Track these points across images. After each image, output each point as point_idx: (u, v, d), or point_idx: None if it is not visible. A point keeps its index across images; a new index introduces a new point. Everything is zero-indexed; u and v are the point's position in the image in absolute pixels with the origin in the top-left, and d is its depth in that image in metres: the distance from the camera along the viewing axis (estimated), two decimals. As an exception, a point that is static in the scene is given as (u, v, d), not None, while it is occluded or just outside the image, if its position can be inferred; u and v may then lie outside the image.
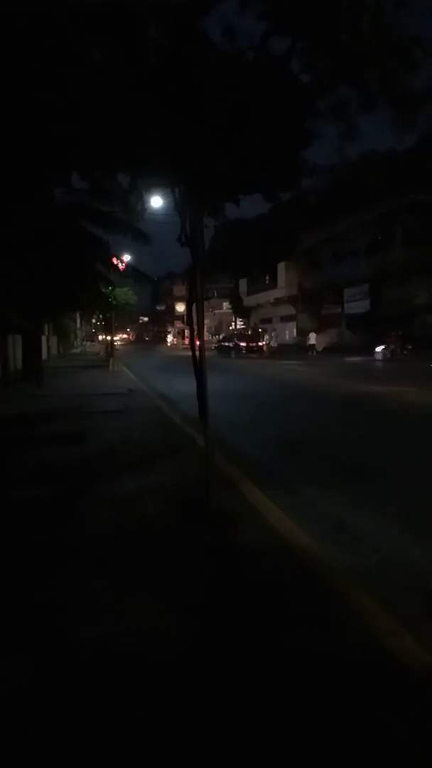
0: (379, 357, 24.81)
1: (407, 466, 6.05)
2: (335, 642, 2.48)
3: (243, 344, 35.49)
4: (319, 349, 34.40)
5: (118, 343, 63.55)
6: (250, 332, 41.70)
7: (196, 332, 4.14)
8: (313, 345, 33.80)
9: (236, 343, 35.77)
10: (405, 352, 24.07)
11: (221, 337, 45.37)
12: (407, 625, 2.57)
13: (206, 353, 4.25)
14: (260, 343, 36.32)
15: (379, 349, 25.13)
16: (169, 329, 79.42)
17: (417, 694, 2.10)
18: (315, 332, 35.47)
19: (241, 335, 39.90)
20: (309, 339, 34.20)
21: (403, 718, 1.98)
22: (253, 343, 35.94)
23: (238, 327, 53.26)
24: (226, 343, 37.34)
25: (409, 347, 24.25)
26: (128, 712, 2.05)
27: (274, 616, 2.72)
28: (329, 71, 4.47)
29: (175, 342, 70.48)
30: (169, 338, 76.34)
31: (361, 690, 2.15)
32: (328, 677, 2.22)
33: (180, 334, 70.11)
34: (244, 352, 34.20)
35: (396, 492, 4.99)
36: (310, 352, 32.90)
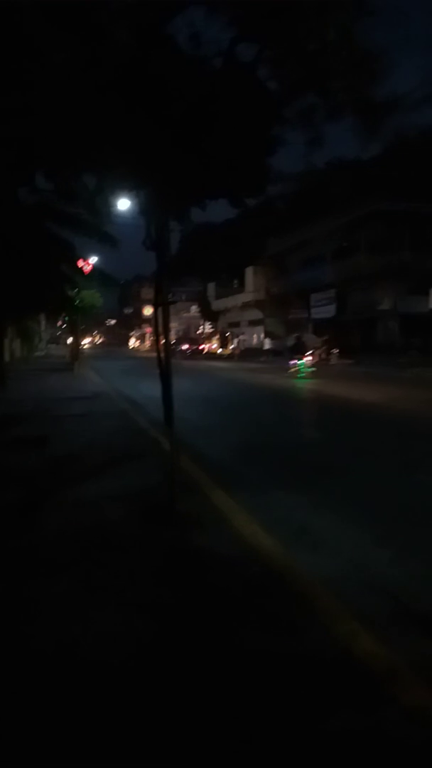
0: (306, 363, 26.07)
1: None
2: (297, 643, 2.50)
3: (186, 347, 41.49)
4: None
5: (86, 346, 63.20)
6: (198, 336, 46.91)
7: (161, 336, 4.12)
8: (269, 349, 37.09)
9: (179, 346, 41.27)
10: (330, 356, 26.86)
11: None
12: (369, 626, 2.60)
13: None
14: (201, 347, 43.32)
15: (308, 353, 26.03)
16: (132, 333, 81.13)
17: (377, 694, 2.13)
18: (282, 336, 36.46)
19: (185, 338, 46.48)
20: (264, 344, 37.81)
21: (364, 717, 2.00)
22: (195, 345, 42.71)
23: (206, 331, 53.36)
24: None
25: (334, 352, 27.00)
26: (87, 715, 2.01)
27: (236, 618, 2.72)
28: (296, 79, 4.52)
29: (137, 345, 72.78)
30: (131, 341, 78.73)
31: (322, 690, 2.17)
32: (289, 678, 2.23)
33: (141, 338, 72.38)
34: (189, 354, 40.09)
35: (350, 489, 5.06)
36: (266, 356, 35.78)
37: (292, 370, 21.18)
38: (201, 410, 10.92)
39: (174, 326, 65.25)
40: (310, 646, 2.48)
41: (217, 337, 42.05)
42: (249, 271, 43.70)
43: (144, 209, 3.76)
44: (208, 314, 53.24)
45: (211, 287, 52.80)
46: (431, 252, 27.30)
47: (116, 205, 6.02)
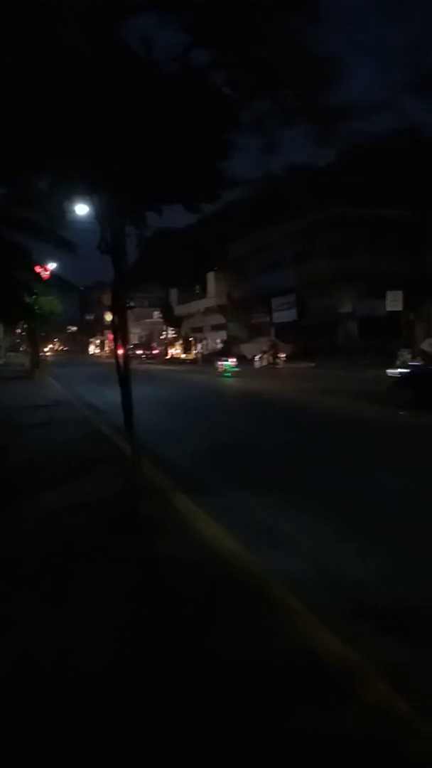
0: (256, 364, 28.68)
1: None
2: (258, 643, 2.50)
3: (139, 352, 45.33)
4: (250, 357, 35.16)
5: (49, 353, 62.21)
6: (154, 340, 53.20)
7: (120, 341, 4.09)
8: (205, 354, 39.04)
9: (133, 351, 43.67)
10: (277, 360, 27.84)
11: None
12: (328, 623, 2.63)
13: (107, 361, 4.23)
14: (154, 351, 48.16)
15: (256, 357, 29.14)
16: (91, 339, 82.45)
17: (337, 691, 2.15)
18: (245, 340, 36.81)
19: (144, 344, 51.87)
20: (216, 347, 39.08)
21: (325, 715, 2.02)
22: (149, 351, 47.40)
23: (169, 336, 53.31)
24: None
25: (281, 356, 28.14)
26: (49, 725, 1.96)
27: (199, 621, 2.71)
28: (249, 85, 4.57)
29: (98, 352, 74.50)
30: (91, 348, 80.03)
31: (283, 689, 2.18)
32: (250, 678, 2.23)
33: (101, 345, 74.92)
34: (144, 359, 43.64)
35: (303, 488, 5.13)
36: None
37: (220, 369, 24.38)
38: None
39: (137, 332, 65.03)
40: (271, 645, 2.49)
41: (181, 342, 42.27)
42: (211, 277, 43.88)
43: (99, 213, 3.72)
44: (171, 320, 53.14)
45: (174, 293, 52.76)
46: (387, 256, 27.99)
47: (73, 210, 5.95)
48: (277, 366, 26.66)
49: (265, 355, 28.40)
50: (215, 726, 1.98)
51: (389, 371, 12.86)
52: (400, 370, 11.67)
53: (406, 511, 4.61)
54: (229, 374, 23.18)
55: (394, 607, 2.92)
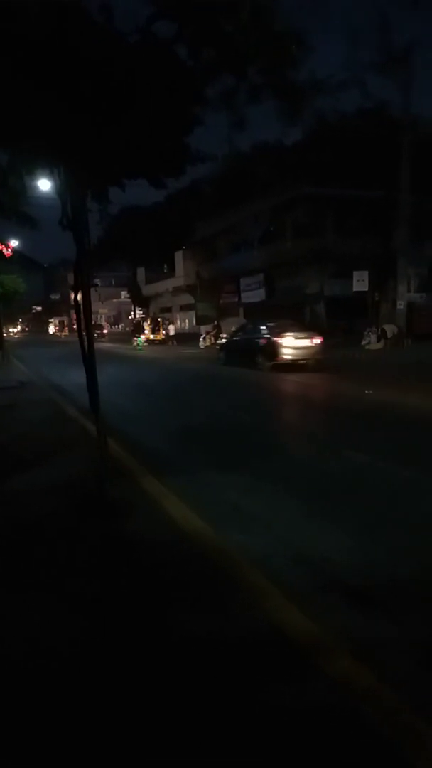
0: (200, 344, 30.44)
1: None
2: (227, 621, 2.54)
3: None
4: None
5: (16, 333, 61.38)
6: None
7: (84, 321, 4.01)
8: (173, 335, 38.48)
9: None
10: (217, 340, 28.40)
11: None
12: (295, 599, 2.68)
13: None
14: (104, 331, 51.73)
15: (201, 337, 31.22)
16: (50, 320, 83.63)
17: (302, 666, 2.21)
18: (213, 320, 36.70)
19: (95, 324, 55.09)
20: (169, 330, 39.14)
21: (292, 690, 2.07)
22: (101, 330, 48.87)
23: (137, 316, 52.77)
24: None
25: (223, 336, 28.34)
26: (15, 712, 1.96)
27: (166, 601, 2.73)
28: (214, 60, 4.47)
29: (56, 331, 75.95)
30: (51, 328, 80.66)
31: (251, 665, 2.22)
32: (219, 655, 2.27)
33: (60, 324, 76.83)
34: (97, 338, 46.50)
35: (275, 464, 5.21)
36: (171, 342, 37.04)
37: (134, 344, 32.91)
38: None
39: (104, 312, 64.20)
40: (239, 621, 2.53)
41: (149, 322, 41.86)
42: (179, 256, 43.41)
43: (60, 188, 3.61)
44: (139, 299, 52.55)
45: (141, 272, 52.10)
46: (353, 236, 28.18)
47: (34, 185, 5.76)
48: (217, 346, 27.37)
49: (208, 336, 30.09)
50: (183, 702, 2.01)
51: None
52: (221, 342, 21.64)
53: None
54: (141, 348, 31.30)
55: (360, 583, 3.00)
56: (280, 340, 15.75)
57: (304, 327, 18.74)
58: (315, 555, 3.34)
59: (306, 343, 16.06)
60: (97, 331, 47.07)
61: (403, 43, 18.91)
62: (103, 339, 44.73)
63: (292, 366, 15.22)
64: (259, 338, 16.83)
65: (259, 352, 16.22)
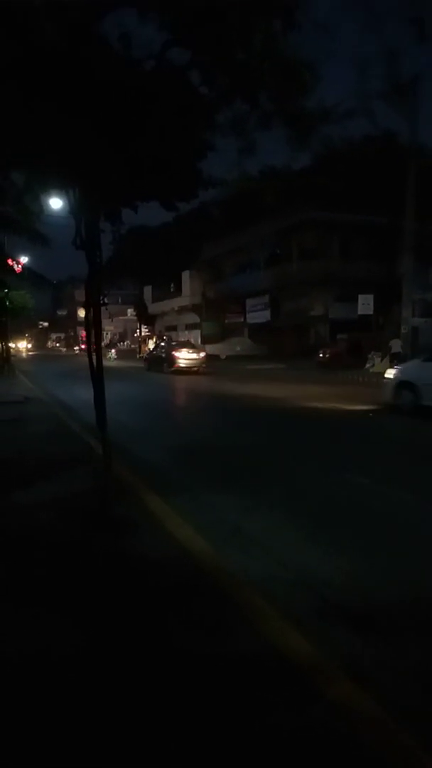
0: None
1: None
2: (227, 643, 2.52)
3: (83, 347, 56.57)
4: (223, 357, 35.36)
5: (28, 350, 62.58)
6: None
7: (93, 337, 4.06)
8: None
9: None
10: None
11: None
12: (295, 623, 2.67)
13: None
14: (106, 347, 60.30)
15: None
16: (51, 336, 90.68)
17: (302, 689, 2.19)
18: (218, 340, 37.00)
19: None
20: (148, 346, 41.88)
21: (292, 714, 2.04)
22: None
23: (143, 334, 53.07)
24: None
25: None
26: (16, 727, 1.94)
27: (168, 620, 2.72)
28: (226, 86, 4.59)
29: (58, 346, 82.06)
30: (48, 344, 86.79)
31: (251, 689, 2.20)
32: (219, 678, 2.25)
33: (59, 340, 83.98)
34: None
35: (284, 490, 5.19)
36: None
37: (108, 356, 35.83)
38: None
39: (110, 329, 64.62)
40: (239, 643, 2.51)
41: (154, 339, 42.20)
42: (186, 275, 43.81)
43: (74, 209, 3.69)
44: (145, 317, 52.89)
45: (148, 290, 52.52)
46: (359, 260, 28.42)
47: (47, 204, 5.87)
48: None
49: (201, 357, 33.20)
50: (182, 723, 1.99)
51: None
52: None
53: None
54: (112, 359, 37.25)
55: (359, 607, 2.98)
56: (176, 354, 24.11)
57: (194, 346, 27.40)
58: (314, 578, 3.31)
59: (194, 356, 24.52)
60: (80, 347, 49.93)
61: (409, 73, 19.30)
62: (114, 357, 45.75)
63: (185, 371, 23.44)
64: (165, 352, 25.04)
65: (164, 362, 24.37)
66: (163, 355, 24.80)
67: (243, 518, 4.37)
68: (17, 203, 4.77)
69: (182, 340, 27.21)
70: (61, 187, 3.78)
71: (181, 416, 12.52)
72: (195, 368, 23.84)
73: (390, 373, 11.67)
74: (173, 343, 26.70)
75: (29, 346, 71.90)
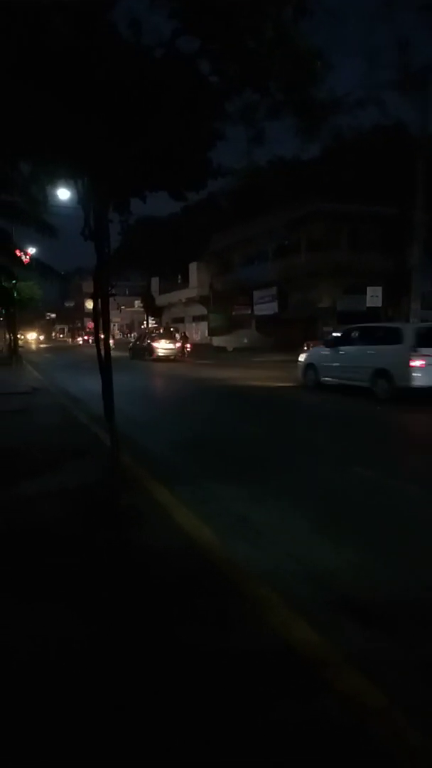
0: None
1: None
2: (233, 632, 2.53)
3: (86, 338, 58.70)
4: (230, 349, 35.30)
5: (34, 341, 62.92)
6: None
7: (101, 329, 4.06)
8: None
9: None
10: (185, 349, 31.13)
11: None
12: (303, 615, 2.67)
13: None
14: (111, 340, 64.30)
15: (303, 362, 31.78)
16: (55, 327, 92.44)
17: (309, 681, 2.19)
18: (225, 332, 37.23)
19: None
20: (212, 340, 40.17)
21: (300, 706, 2.05)
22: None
23: (150, 325, 53.12)
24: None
25: (187, 347, 31.70)
26: (23, 719, 1.96)
27: (173, 612, 2.73)
28: (236, 75, 4.54)
29: (62, 337, 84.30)
30: (53, 334, 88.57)
31: (258, 678, 2.21)
32: (227, 669, 2.26)
33: (62, 331, 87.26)
34: (90, 343, 56.83)
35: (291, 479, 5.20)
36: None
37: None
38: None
39: (117, 320, 64.74)
40: (246, 635, 2.52)
41: (161, 331, 42.44)
42: (193, 267, 43.69)
43: (82, 199, 3.67)
44: (152, 309, 52.88)
45: (155, 282, 52.45)
46: (367, 252, 28.20)
47: (55, 194, 5.86)
48: (186, 354, 30.87)
49: (178, 345, 32.60)
50: (188, 714, 2.00)
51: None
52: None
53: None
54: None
55: (367, 598, 2.97)
56: (155, 344, 28.56)
57: (172, 336, 30.90)
58: (320, 569, 3.31)
59: (171, 346, 28.77)
60: (89, 337, 51.51)
61: (421, 63, 19.05)
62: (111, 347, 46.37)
63: (163, 359, 27.39)
64: (146, 342, 29.36)
65: (145, 351, 28.39)
66: (145, 345, 29.03)
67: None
68: (25, 194, 4.75)
69: (162, 333, 31.85)
70: (70, 178, 3.76)
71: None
72: (172, 356, 27.93)
73: (301, 358, 15.06)
74: (152, 335, 31.23)
75: (41, 337, 72.15)
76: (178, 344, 29.41)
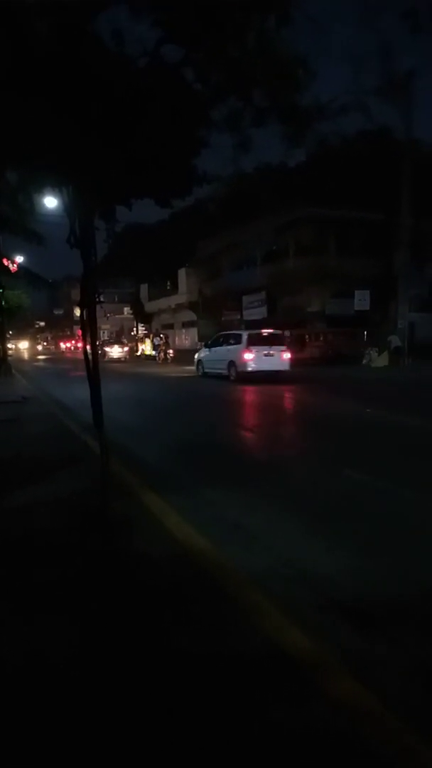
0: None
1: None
2: (226, 637, 2.52)
3: (69, 345, 63.64)
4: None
5: (27, 350, 62.47)
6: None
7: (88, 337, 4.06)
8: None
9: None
10: (167, 353, 34.47)
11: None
12: (295, 619, 2.67)
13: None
14: (79, 342, 68.62)
15: (155, 352, 36.92)
16: (37, 336, 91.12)
17: (303, 686, 2.19)
18: (165, 338, 39.88)
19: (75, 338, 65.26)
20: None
21: (293, 711, 2.04)
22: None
23: (139, 332, 53.08)
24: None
25: (170, 352, 34.96)
26: (15, 729, 1.94)
27: (167, 619, 2.71)
28: (220, 83, 4.57)
29: (46, 345, 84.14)
30: (39, 343, 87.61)
31: (251, 683, 2.20)
32: (220, 675, 2.25)
33: (46, 339, 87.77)
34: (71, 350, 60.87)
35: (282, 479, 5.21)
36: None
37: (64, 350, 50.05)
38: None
39: (106, 328, 64.64)
40: (239, 640, 2.51)
41: (151, 338, 42.64)
42: (182, 273, 43.76)
43: (68, 207, 3.67)
44: (141, 316, 52.81)
45: (144, 288, 52.43)
46: (355, 257, 28.42)
47: (42, 203, 5.85)
48: (168, 357, 34.61)
49: (160, 350, 35.77)
50: (181, 721, 1.99)
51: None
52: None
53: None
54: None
55: (360, 602, 2.98)
56: (107, 349, 37.57)
57: (122, 343, 42.56)
58: (314, 575, 3.31)
59: (120, 350, 38.74)
60: (74, 343, 54.45)
61: (404, 68, 19.32)
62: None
63: (115, 360, 35.25)
64: (102, 349, 33.56)
65: (102, 355, 31.20)
66: (100, 351, 35.87)
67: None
68: (11, 202, 4.74)
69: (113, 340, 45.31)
70: (55, 186, 3.77)
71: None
72: (122, 359, 37.35)
73: (196, 356, 21.67)
74: (108, 341, 44.02)
75: (40, 347, 71.12)
76: (126, 348, 39.95)
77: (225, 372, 18.27)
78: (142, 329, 52.39)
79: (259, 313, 34.43)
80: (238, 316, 37.16)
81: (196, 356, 21.72)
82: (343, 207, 27.70)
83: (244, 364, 17.45)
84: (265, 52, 3.92)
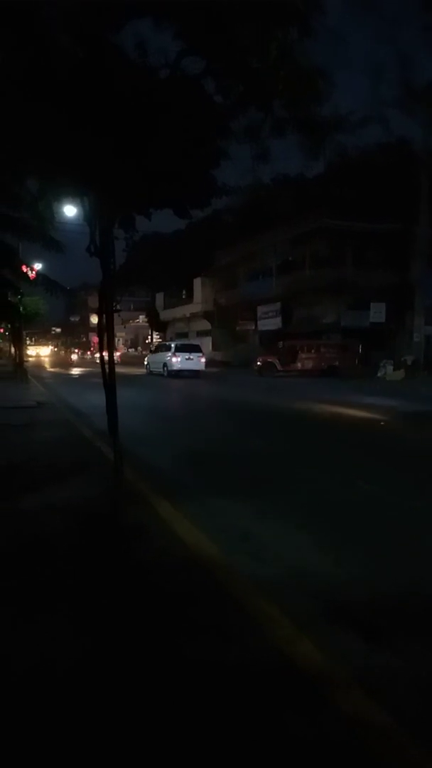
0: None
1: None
2: (235, 648, 2.50)
3: (78, 350, 70.85)
4: (235, 364, 35.58)
5: (46, 354, 62.67)
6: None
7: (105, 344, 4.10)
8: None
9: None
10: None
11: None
12: (306, 630, 2.64)
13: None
14: (92, 350, 66.25)
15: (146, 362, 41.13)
16: (50, 342, 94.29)
17: (313, 698, 2.16)
18: (229, 347, 37.39)
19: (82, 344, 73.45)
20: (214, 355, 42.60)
21: (304, 723, 2.02)
22: (87, 350, 69.27)
23: (154, 340, 53.40)
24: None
25: None
26: (21, 733, 1.94)
27: (177, 627, 2.70)
28: (240, 94, 4.62)
29: (56, 351, 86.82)
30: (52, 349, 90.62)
31: (260, 694, 2.18)
32: (227, 682, 2.23)
33: (57, 346, 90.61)
34: (83, 356, 65.26)
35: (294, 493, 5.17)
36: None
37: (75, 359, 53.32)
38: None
39: (122, 335, 65.12)
40: (249, 650, 2.49)
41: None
42: (197, 282, 43.96)
43: (88, 216, 3.72)
44: (156, 324, 53.12)
45: (160, 297, 52.76)
46: (371, 268, 28.33)
47: (61, 211, 5.93)
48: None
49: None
50: (190, 732, 1.97)
51: None
52: None
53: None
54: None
55: (371, 614, 2.94)
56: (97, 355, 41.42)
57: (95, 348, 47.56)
58: (324, 585, 3.28)
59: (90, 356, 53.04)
60: (79, 349, 59.33)
61: (423, 79, 19.30)
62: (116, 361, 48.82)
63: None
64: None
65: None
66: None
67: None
68: (32, 210, 4.81)
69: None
70: (76, 195, 3.82)
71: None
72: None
73: (145, 360, 30.49)
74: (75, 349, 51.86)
75: (74, 356, 67.34)
76: (97, 354, 47.99)
77: (161, 371, 26.46)
78: (156, 337, 52.69)
79: (273, 323, 34.43)
80: (253, 327, 37.20)
81: (145, 360, 30.84)
82: (360, 218, 27.68)
83: (172, 364, 25.84)
84: (286, 63, 3.96)
